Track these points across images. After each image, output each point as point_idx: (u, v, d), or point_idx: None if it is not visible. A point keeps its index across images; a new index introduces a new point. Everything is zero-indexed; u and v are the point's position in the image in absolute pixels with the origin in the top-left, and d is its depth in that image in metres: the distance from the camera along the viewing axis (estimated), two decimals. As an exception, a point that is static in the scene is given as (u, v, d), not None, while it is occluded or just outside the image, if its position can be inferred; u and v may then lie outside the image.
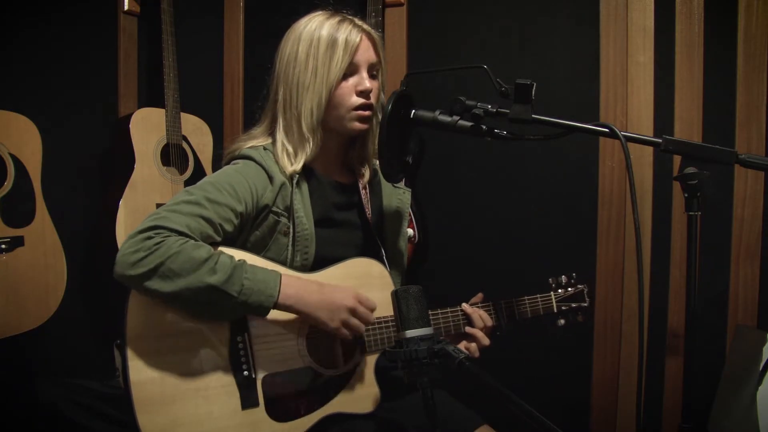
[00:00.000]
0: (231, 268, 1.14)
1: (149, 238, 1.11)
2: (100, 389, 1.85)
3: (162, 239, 1.11)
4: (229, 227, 1.22)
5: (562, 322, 1.49)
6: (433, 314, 1.34)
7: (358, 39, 1.28)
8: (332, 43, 1.27)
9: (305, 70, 1.28)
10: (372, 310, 1.25)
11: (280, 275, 1.19)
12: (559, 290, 1.49)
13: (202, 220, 1.17)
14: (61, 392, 1.83)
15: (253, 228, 1.29)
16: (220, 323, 1.20)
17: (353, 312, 1.22)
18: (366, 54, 1.30)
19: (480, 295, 1.44)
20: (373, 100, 1.32)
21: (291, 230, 1.29)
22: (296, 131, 1.30)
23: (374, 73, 1.33)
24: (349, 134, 1.35)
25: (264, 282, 1.16)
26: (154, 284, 1.11)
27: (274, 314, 1.20)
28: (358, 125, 1.31)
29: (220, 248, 1.22)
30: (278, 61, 1.33)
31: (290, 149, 1.31)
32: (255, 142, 1.36)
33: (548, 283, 1.50)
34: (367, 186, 1.44)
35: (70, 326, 2.10)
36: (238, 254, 1.24)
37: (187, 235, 1.14)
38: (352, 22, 1.31)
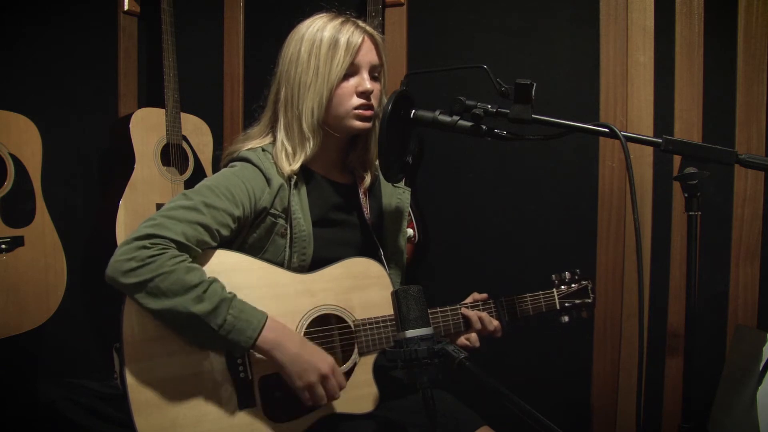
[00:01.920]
0: (218, 300, 1.13)
1: (145, 248, 1.11)
2: (100, 389, 1.84)
3: (157, 252, 1.11)
4: (225, 232, 1.22)
5: (566, 319, 1.48)
6: (432, 313, 1.34)
7: (359, 40, 1.29)
8: (334, 43, 1.27)
9: (307, 69, 1.28)
10: (341, 388, 1.22)
11: (266, 318, 1.17)
12: (562, 287, 1.48)
13: (198, 226, 1.17)
14: (61, 392, 1.83)
15: (250, 230, 1.29)
16: None
17: (324, 380, 1.18)
18: (368, 55, 1.31)
19: (478, 295, 1.44)
20: (374, 101, 1.32)
21: (288, 231, 1.29)
22: (297, 130, 1.31)
23: (375, 75, 1.34)
24: (348, 134, 1.35)
25: (247, 321, 1.15)
26: (141, 298, 1.11)
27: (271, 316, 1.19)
28: (358, 124, 1.31)
29: (218, 250, 1.22)
30: (281, 61, 1.34)
31: (289, 149, 1.31)
32: (253, 142, 1.36)
33: (551, 280, 1.49)
34: (367, 189, 1.45)
35: (70, 326, 2.10)
36: (236, 258, 1.24)
37: (183, 245, 1.14)
38: (355, 23, 1.31)
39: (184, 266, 1.13)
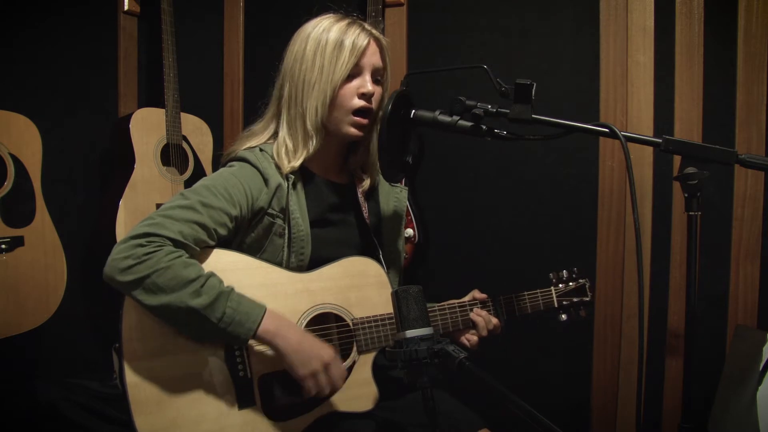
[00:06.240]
0: (216, 293, 1.13)
1: (141, 245, 1.11)
2: (100, 389, 1.85)
3: (154, 249, 1.11)
4: (223, 231, 1.22)
5: (564, 317, 1.48)
6: (431, 310, 1.34)
7: (365, 43, 1.29)
8: (340, 44, 1.28)
9: (312, 68, 1.28)
10: (344, 379, 1.23)
11: (265, 309, 1.18)
12: (560, 285, 1.49)
13: (196, 225, 1.17)
14: (61, 392, 1.83)
15: (248, 230, 1.29)
16: None
17: (326, 368, 1.19)
18: (372, 58, 1.31)
19: (479, 294, 1.44)
20: (374, 104, 1.32)
21: (286, 231, 1.29)
22: (300, 128, 1.31)
23: (378, 78, 1.34)
24: (344, 139, 1.35)
25: (246, 314, 1.15)
26: (139, 295, 1.11)
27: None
28: (353, 131, 1.32)
29: (216, 250, 1.23)
30: (286, 58, 1.34)
31: (290, 146, 1.31)
32: (256, 139, 1.36)
33: (549, 278, 1.49)
34: (365, 191, 1.45)
35: (70, 326, 2.10)
36: (234, 258, 1.24)
37: (180, 243, 1.14)
38: (361, 26, 1.31)
39: (181, 261, 1.13)
